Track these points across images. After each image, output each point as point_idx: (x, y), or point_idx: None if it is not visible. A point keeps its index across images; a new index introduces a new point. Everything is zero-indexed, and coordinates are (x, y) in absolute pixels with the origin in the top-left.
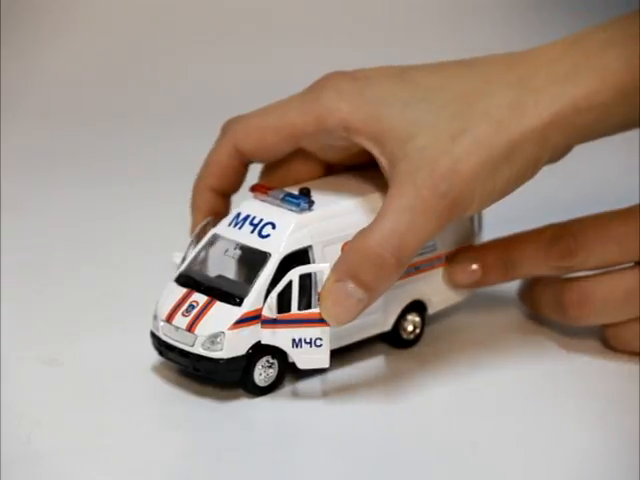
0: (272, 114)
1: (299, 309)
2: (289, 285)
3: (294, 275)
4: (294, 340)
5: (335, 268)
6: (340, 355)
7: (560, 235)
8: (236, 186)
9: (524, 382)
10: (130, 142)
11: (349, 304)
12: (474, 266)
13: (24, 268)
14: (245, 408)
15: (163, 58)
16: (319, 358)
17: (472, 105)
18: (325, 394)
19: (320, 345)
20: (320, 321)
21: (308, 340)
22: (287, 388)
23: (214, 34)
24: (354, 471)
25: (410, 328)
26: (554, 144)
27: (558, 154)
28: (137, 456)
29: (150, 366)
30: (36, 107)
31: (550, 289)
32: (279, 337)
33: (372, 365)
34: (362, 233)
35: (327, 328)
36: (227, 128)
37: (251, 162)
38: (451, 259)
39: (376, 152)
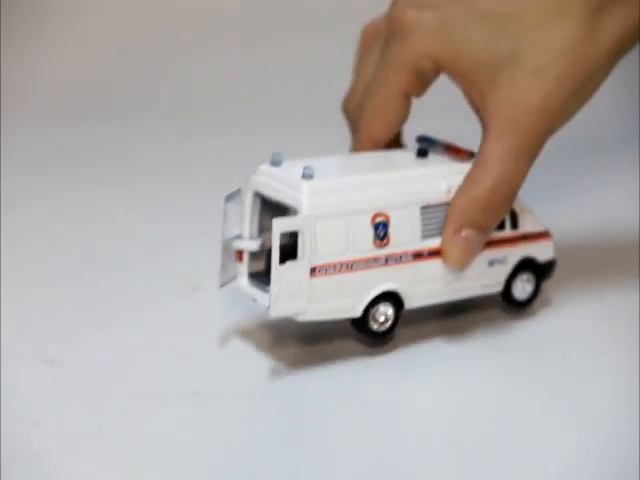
0: (381, 93)
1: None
2: None
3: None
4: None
5: (452, 218)
6: (339, 353)
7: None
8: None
9: (523, 381)
10: (130, 142)
11: (472, 248)
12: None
13: (24, 268)
14: (246, 407)
15: (163, 58)
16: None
17: (547, 37)
18: (325, 394)
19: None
20: None
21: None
22: (287, 388)
23: (214, 34)
24: (354, 471)
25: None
26: (616, 65)
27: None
28: (137, 456)
29: (150, 366)
30: (36, 107)
31: None
32: None
33: (373, 364)
34: (471, 183)
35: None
36: (356, 121)
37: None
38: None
39: (465, 88)
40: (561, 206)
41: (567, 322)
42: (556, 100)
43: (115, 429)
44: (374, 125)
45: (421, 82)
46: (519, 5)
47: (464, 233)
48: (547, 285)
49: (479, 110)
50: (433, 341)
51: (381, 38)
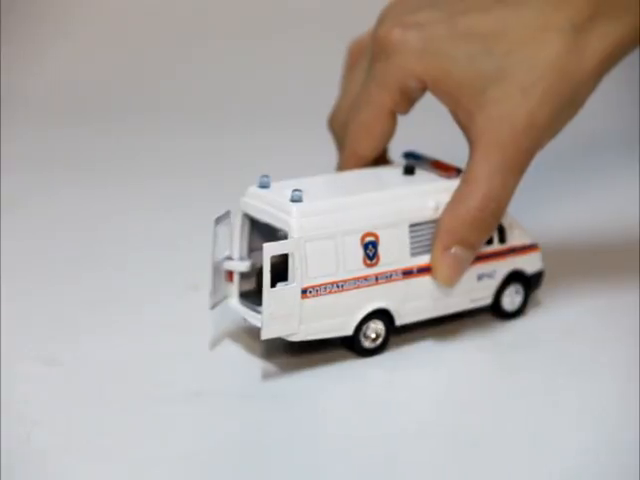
0: (366, 111)
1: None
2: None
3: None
4: None
5: (441, 236)
6: (337, 353)
7: None
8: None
9: (523, 381)
10: (130, 142)
11: (461, 265)
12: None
13: (24, 268)
14: (245, 408)
15: (163, 58)
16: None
17: (532, 55)
18: (324, 394)
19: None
20: None
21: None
22: (286, 388)
23: (214, 34)
24: (352, 471)
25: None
26: (601, 79)
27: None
28: (137, 456)
29: (150, 366)
30: (36, 107)
31: None
32: None
33: (370, 364)
34: (459, 201)
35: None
36: (344, 144)
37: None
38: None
39: (451, 106)
40: (560, 205)
41: (565, 321)
42: (542, 117)
43: (115, 429)
44: (359, 143)
45: (406, 100)
46: (503, 23)
47: (453, 250)
48: (547, 285)
49: (465, 128)
50: (431, 341)
51: (367, 55)
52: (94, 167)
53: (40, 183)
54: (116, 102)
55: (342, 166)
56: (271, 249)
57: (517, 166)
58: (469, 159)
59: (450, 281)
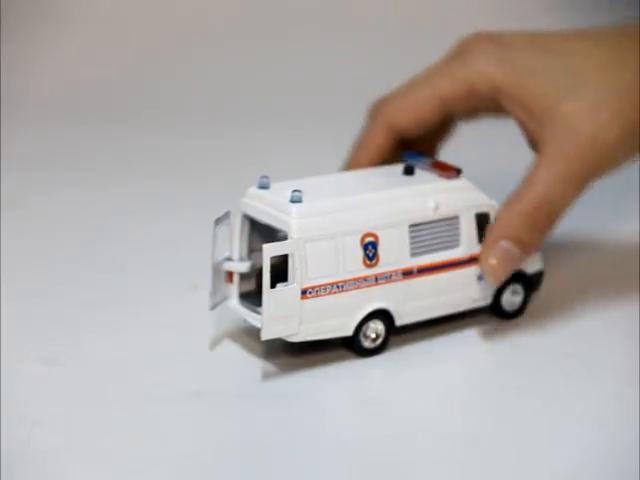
0: (422, 87)
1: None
2: None
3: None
4: None
5: (493, 229)
6: (337, 353)
7: None
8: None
9: (522, 381)
10: (130, 142)
11: (508, 259)
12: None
13: (24, 268)
14: (245, 407)
15: (163, 58)
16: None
17: (606, 78)
18: (324, 394)
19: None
20: None
21: None
22: (286, 388)
23: (215, 34)
24: (352, 471)
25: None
26: None
27: None
28: (137, 456)
29: (150, 366)
30: (36, 107)
31: None
32: None
33: (370, 364)
34: (517, 198)
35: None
36: (378, 109)
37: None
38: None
39: (524, 117)
40: None
41: (564, 321)
42: (608, 138)
43: (115, 429)
44: (397, 115)
45: (466, 102)
46: (583, 48)
47: (502, 243)
48: (546, 284)
49: (534, 138)
50: (431, 341)
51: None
52: (94, 167)
53: (40, 183)
54: (116, 102)
55: (367, 136)
56: (271, 250)
57: (579, 180)
58: (533, 166)
59: (494, 273)
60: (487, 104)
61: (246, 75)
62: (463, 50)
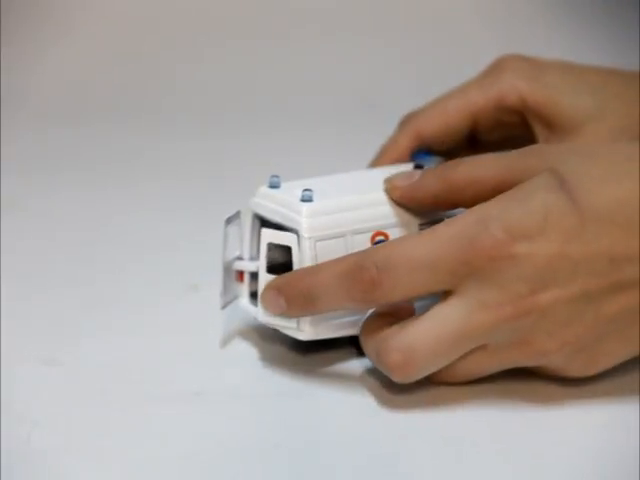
0: (452, 97)
1: None
2: None
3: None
4: None
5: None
6: (339, 354)
7: (361, 264)
8: None
9: (522, 381)
10: (130, 142)
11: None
12: (280, 299)
13: (24, 268)
14: (245, 408)
15: (163, 58)
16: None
17: (628, 104)
18: (325, 394)
19: None
20: None
21: None
22: (287, 388)
23: (215, 34)
24: (353, 471)
25: None
26: None
27: None
28: (137, 456)
29: (150, 366)
30: (36, 107)
31: (372, 341)
32: None
33: (370, 365)
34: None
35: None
36: (407, 119)
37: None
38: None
39: (543, 132)
40: None
41: None
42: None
43: (115, 429)
44: (425, 120)
45: (493, 115)
46: (611, 79)
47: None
48: None
49: None
50: None
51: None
52: (94, 168)
53: (40, 184)
54: (117, 102)
55: (392, 142)
56: (269, 236)
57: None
58: None
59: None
60: (514, 118)
61: (255, 75)
62: (497, 67)
